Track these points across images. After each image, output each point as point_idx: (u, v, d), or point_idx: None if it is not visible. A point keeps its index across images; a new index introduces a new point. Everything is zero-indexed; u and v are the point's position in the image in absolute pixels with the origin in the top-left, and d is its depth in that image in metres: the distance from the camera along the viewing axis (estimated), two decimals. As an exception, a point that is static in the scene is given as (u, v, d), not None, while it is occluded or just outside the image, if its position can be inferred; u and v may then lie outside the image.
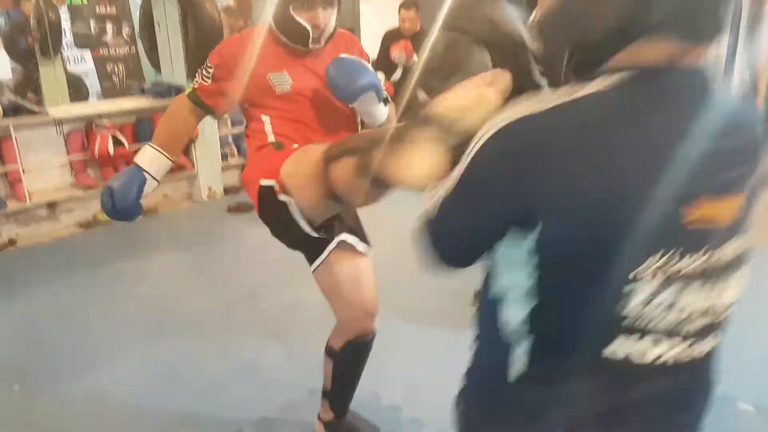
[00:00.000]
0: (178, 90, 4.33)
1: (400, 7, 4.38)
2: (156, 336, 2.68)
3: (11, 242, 3.82)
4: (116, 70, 6.37)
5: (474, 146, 0.76)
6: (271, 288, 3.13)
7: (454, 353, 2.53)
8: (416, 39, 4.23)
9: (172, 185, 4.59)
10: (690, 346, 0.78)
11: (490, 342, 0.89)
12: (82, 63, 6.17)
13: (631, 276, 0.72)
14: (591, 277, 0.73)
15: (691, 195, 0.71)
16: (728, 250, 0.76)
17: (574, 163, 0.69)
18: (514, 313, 0.81)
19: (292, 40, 1.59)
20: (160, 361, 2.48)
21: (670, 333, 0.76)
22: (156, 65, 4.61)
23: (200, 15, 4.03)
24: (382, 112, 1.62)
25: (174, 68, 4.39)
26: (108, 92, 6.11)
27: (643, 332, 0.75)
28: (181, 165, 4.43)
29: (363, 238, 1.67)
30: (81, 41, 6.04)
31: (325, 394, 1.87)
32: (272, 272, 3.23)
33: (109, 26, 6.23)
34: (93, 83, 6.20)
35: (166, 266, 3.54)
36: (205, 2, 4.06)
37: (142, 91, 4.47)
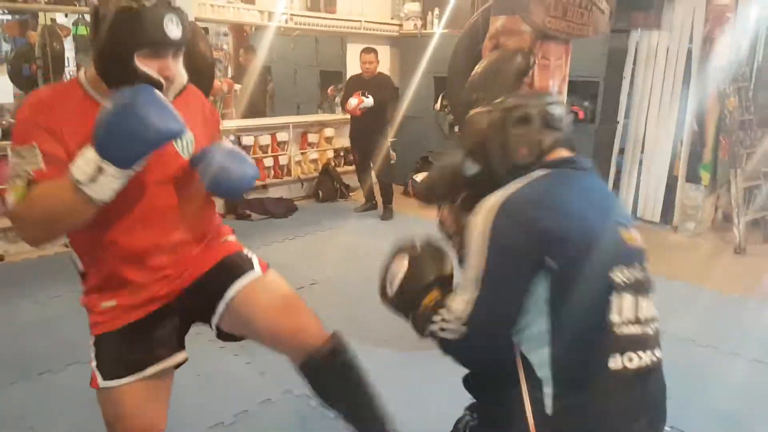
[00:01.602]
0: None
1: (362, 52, 5.05)
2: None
3: (0, 258, 4.04)
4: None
5: (482, 228, 1.11)
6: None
7: (406, 368, 2.75)
8: (374, 80, 5.03)
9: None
10: (653, 351, 1.14)
11: (511, 381, 1.12)
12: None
13: (609, 286, 1.09)
14: (590, 294, 1.07)
15: (620, 222, 1.16)
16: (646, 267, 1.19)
17: (560, 208, 1.11)
18: (539, 353, 1.10)
19: None
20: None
21: (639, 341, 1.11)
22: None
23: (193, 53, 4.36)
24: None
25: (168, 99, 4.70)
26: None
27: (626, 343, 1.09)
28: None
29: None
30: (82, 71, 6.36)
31: None
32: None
33: (110, 57, 6.58)
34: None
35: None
36: (198, 41, 4.39)
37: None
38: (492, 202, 1.12)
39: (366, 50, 5.03)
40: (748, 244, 4.56)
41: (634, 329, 1.10)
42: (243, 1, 4.90)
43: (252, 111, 6.01)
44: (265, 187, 5.58)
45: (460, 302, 1.11)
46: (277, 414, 2.36)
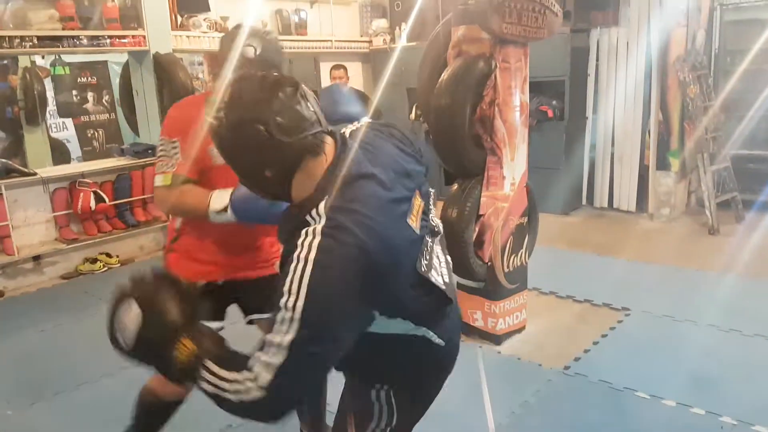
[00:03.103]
0: (154, 150, 4.75)
1: (332, 68, 5.23)
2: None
3: (0, 293, 4.11)
4: (96, 135, 6.80)
5: (300, 283, 0.99)
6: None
7: None
8: None
9: (148, 237, 4.93)
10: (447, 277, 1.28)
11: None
12: (64, 130, 6.59)
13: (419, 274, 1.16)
14: (411, 288, 1.16)
15: (406, 209, 1.15)
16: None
17: (377, 251, 1.06)
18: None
19: None
20: (139, 380, 2.80)
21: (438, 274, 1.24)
22: (134, 128, 5.03)
23: (174, 82, 4.51)
24: None
25: (151, 130, 4.82)
26: (89, 155, 6.49)
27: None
28: (157, 216, 4.80)
29: None
30: (64, 110, 6.47)
31: None
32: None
33: (90, 95, 6.70)
34: (74, 148, 6.60)
35: (145, 307, 3.86)
36: (178, 71, 4.54)
37: (122, 152, 4.87)
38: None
39: (335, 67, 5.21)
40: (720, 225, 4.74)
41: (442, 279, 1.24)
42: (217, 30, 5.06)
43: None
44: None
45: (257, 364, 0.98)
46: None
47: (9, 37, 4.00)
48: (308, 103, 1.05)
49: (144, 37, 4.56)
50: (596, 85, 5.32)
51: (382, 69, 6.47)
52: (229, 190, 1.55)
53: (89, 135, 6.74)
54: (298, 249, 1.00)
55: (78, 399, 2.73)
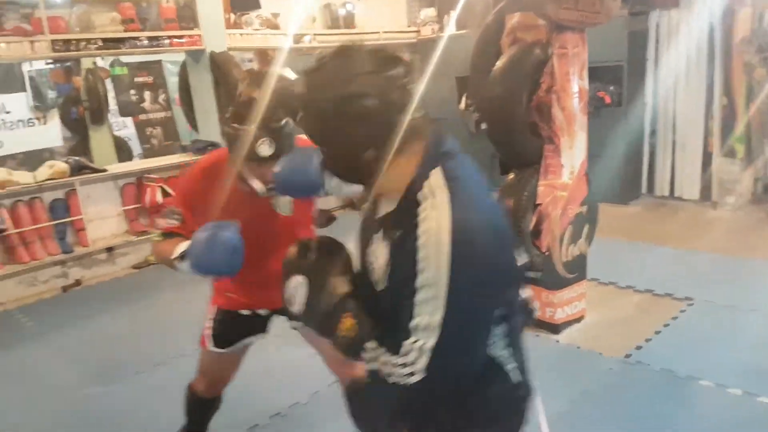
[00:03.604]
0: (214, 145, 4.91)
1: None
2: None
3: (77, 282, 4.38)
4: (154, 133, 7.08)
5: (434, 258, 0.91)
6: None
7: None
8: None
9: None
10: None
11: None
12: (124, 128, 6.88)
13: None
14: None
15: None
16: None
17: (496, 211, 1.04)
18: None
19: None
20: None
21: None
22: (194, 125, 5.21)
23: (228, 79, 4.64)
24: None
25: (209, 126, 4.99)
26: (148, 153, 6.77)
27: None
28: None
29: None
30: (123, 109, 6.75)
31: None
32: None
33: (147, 94, 6.97)
34: (134, 146, 6.90)
35: (200, 296, 4.02)
36: (232, 68, 4.67)
37: (183, 149, 5.06)
38: (434, 232, 0.93)
39: None
40: (790, 212, 4.52)
41: None
42: (268, 27, 5.16)
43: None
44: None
45: (408, 348, 0.95)
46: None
47: (76, 40, 4.21)
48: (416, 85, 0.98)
49: (200, 36, 4.71)
50: (656, 70, 5.15)
51: (430, 59, 6.42)
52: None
53: (148, 133, 7.02)
54: (422, 226, 0.93)
55: (154, 379, 2.91)
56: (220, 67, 4.67)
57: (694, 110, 4.98)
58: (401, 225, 0.98)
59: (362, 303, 1.05)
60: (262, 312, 1.95)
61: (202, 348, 1.99)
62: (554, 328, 3.04)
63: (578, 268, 3.07)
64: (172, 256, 1.56)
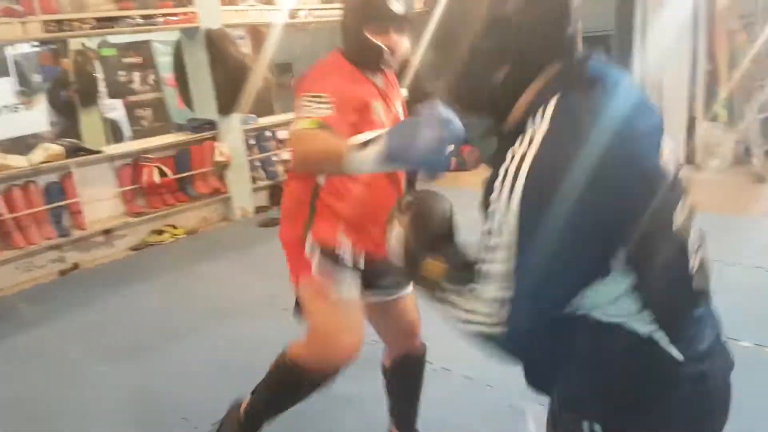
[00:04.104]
0: (211, 124, 4.94)
1: None
2: (215, 320, 3.28)
3: (75, 266, 4.39)
4: (144, 114, 7.03)
5: (510, 198, 0.79)
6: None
7: None
8: None
9: (209, 208, 5.17)
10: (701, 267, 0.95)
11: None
12: (113, 110, 6.81)
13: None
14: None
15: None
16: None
17: (605, 155, 0.78)
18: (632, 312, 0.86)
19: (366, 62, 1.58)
20: (221, 336, 3.08)
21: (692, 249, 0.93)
22: (189, 105, 5.22)
23: (226, 57, 4.66)
24: None
25: (205, 106, 5.00)
26: (138, 134, 6.71)
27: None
28: (217, 189, 5.02)
29: None
30: (112, 91, 6.69)
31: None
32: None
33: (136, 75, 6.91)
34: (124, 127, 6.85)
35: (214, 271, 4.10)
36: (229, 46, 4.69)
37: (179, 127, 5.08)
38: (514, 169, 0.81)
39: None
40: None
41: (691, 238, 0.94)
42: (263, 2, 5.15)
43: (280, 107, 6.30)
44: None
45: (488, 297, 0.85)
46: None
47: (69, 20, 4.15)
48: None
49: (195, 13, 4.68)
50: (643, 39, 5.26)
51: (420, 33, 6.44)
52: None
53: (137, 114, 6.97)
54: (503, 166, 0.82)
55: (163, 355, 2.96)
56: (216, 44, 4.67)
57: (679, 77, 5.12)
58: (495, 166, 0.84)
59: (459, 252, 1.00)
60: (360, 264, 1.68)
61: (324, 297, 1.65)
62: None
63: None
64: (351, 144, 1.27)
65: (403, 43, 1.57)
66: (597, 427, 0.90)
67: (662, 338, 0.87)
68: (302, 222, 1.66)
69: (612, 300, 0.85)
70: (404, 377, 1.97)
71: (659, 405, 0.88)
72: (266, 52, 5.20)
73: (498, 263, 0.83)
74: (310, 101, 1.47)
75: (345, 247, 1.64)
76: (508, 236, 0.81)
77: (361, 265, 1.67)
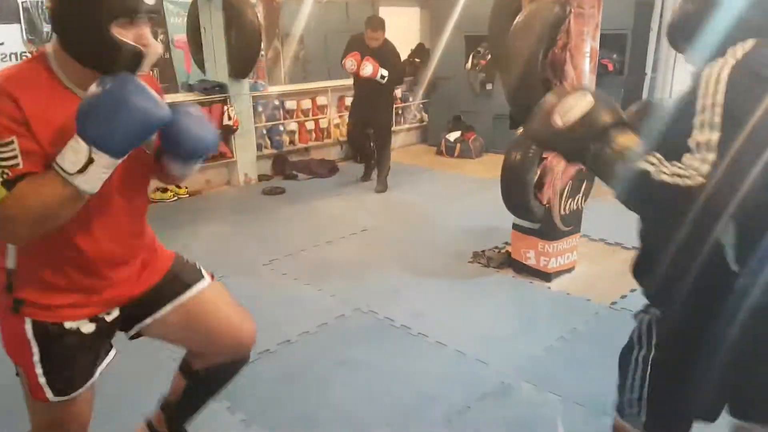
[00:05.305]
0: (221, 86, 4.96)
1: (368, 28, 4.70)
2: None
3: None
4: (151, 74, 7.01)
5: (713, 92, 0.99)
6: (307, 249, 3.74)
7: (447, 293, 3.19)
8: (379, 50, 4.65)
9: (214, 171, 5.20)
10: None
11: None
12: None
13: None
14: None
15: None
16: None
17: None
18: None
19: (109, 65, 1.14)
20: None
21: None
22: (201, 66, 5.22)
23: (242, 20, 4.66)
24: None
25: (217, 68, 5.01)
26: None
27: None
28: (222, 152, 5.05)
29: None
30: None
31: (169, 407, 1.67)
32: (307, 237, 3.91)
33: (147, 33, 6.86)
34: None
35: (213, 232, 4.15)
36: (246, 8, 4.69)
37: (190, 87, 5.09)
38: (717, 67, 1.02)
39: (372, 27, 4.64)
40: None
41: None
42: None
43: (289, 77, 6.31)
44: (307, 149, 5.92)
45: (694, 160, 0.97)
46: (351, 325, 2.81)
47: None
48: None
49: (215, -27, 4.67)
50: (657, 41, 5.27)
51: (440, 16, 6.43)
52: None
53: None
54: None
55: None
56: (235, 6, 4.67)
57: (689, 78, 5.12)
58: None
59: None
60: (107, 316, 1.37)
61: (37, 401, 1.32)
62: (546, 277, 3.24)
63: (574, 222, 3.26)
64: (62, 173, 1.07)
65: (155, 42, 1.20)
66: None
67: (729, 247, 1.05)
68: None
69: None
70: (218, 383, 1.65)
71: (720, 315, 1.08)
72: (278, 22, 5.18)
73: (707, 132, 0.98)
74: None
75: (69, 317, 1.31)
76: (712, 113, 0.98)
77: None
